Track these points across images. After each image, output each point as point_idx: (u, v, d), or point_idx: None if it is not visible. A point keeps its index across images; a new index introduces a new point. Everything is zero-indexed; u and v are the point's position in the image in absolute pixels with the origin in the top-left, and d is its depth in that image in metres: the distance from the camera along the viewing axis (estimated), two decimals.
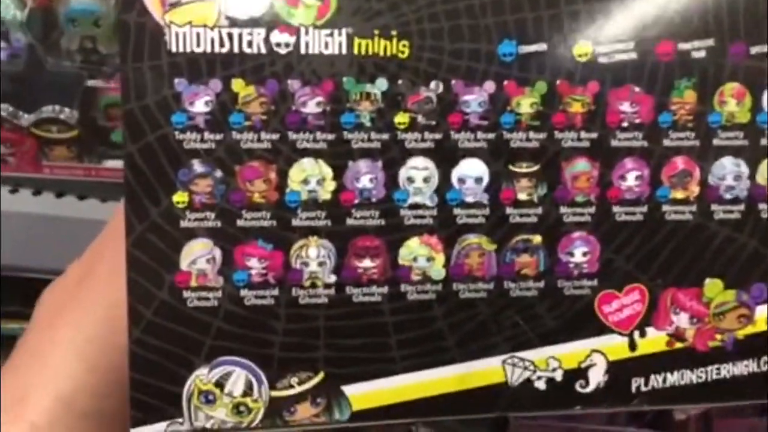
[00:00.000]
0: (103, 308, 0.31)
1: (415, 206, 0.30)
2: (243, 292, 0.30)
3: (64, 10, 0.50)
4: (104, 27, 0.50)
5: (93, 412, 0.31)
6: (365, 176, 0.30)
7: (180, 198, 0.29)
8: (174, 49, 0.28)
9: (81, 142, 0.54)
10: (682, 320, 0.32)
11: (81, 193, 0.57)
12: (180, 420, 0.29)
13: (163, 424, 0.29)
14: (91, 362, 0.31)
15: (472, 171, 0.30)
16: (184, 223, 0.29)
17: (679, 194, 0.31)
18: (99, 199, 0.57)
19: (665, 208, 0.31)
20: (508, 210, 0.30)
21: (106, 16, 0.50)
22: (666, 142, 0.31)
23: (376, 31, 0.29)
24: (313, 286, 0.30)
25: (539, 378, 0.31)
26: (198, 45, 0.28)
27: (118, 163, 0.55)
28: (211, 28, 0.28)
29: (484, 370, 0.31)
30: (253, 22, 0.28)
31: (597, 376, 0.31)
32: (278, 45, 0.29)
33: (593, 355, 0.31)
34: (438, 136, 0.30)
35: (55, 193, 0.57)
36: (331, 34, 0.29)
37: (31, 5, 0.51)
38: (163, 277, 0.29)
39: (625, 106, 0.30)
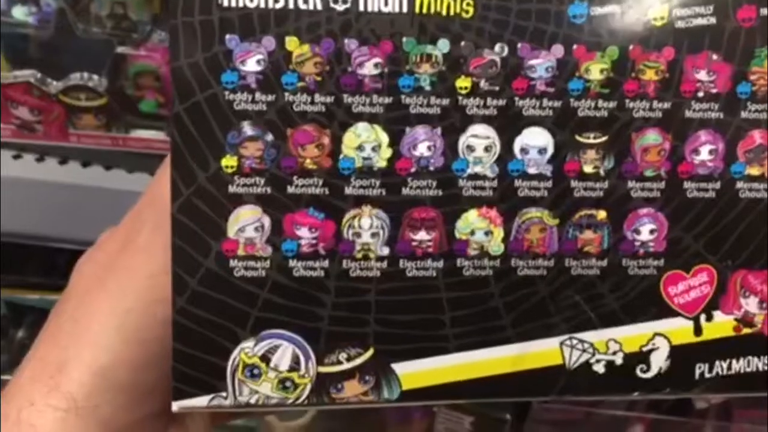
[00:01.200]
0: (144, 278, 0.30)
1: (474, 177, 0.28)
2: (292, 263, 0.28)
3: None
4: None
5: (132, 384, 0.29)
6: (423, 143, 0.28)
7: (229, 162, 0.27)
8: (226, 4, 0.27)
9: (109, 110, 0.53)
10: (751, 304, 0.30)
11: (107, 163, 0.56)
12: (223, 394, 0.28)
13: (205, 398, 0.28)
14: (131, 333, 0.29)
15: (535, 140, 0.28)
16: (232, 189, 0.28)
17: (754, 170, 0.29)
18: (125, 169, 0.56)
19: (739, 185, 0.29)
20: (573, 183, 0.29)
21: None
22: (743, 114, 0.29)
23: None
24: (365, 258, 0.28)
25: (598, 361, 0.30)
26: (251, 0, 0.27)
27: (145, 134, 0.54)
28: None
29: (541, 352, 0.29)
30: None
31: (659, 361, 0.30)
32: (335, 1, 0.27)
33: (656, 339, 0.30)
34: (501, 102, 0.28)
35: (82, 162, 0.56)
36: None
37: None
38: (210, 245, 0.28)
39: (702, 75, 0.29)
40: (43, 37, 0.52)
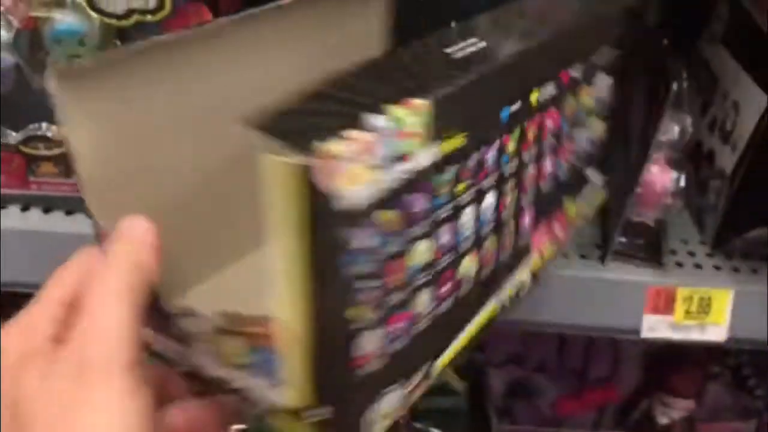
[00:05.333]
0: None
1: None
2: None
3: (50, 31, 0.50)
4: (89, 46, 0.50)
5: None
6: None
7: None
8: None
9: (67, 158, 0.54)
10: None
11: (68, 208, 0.57)
12: None
13: None
14: None
15: None
16: None
17: None
18: (86, 214, 0.57)
19: None
20: None
21: (90, 35, 0.50)
22: None
23: None
24: None
25: None
26: None
27: None
28: None
29: None
30: None
31: None
32: None
33: None
34: None
35: (43, 208, 0.57)
36: None
37: (17, 26, 0.51)
38: None
39: None
40: (1, 91, 0.52)
